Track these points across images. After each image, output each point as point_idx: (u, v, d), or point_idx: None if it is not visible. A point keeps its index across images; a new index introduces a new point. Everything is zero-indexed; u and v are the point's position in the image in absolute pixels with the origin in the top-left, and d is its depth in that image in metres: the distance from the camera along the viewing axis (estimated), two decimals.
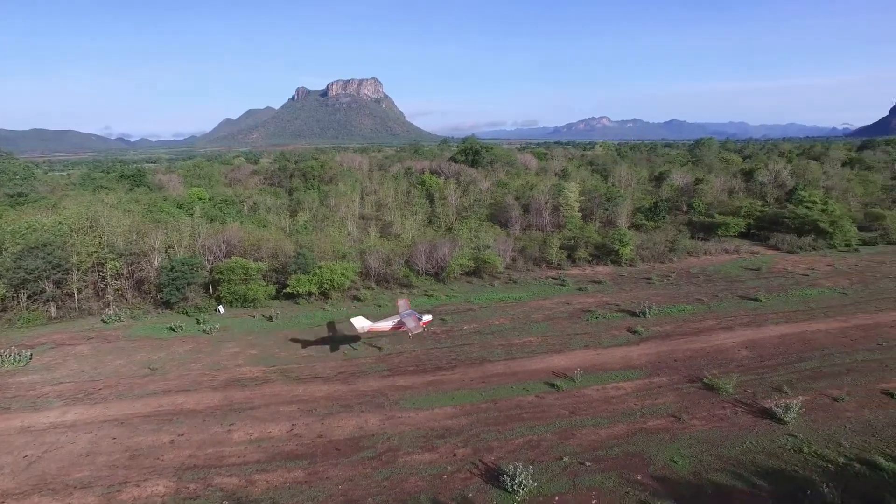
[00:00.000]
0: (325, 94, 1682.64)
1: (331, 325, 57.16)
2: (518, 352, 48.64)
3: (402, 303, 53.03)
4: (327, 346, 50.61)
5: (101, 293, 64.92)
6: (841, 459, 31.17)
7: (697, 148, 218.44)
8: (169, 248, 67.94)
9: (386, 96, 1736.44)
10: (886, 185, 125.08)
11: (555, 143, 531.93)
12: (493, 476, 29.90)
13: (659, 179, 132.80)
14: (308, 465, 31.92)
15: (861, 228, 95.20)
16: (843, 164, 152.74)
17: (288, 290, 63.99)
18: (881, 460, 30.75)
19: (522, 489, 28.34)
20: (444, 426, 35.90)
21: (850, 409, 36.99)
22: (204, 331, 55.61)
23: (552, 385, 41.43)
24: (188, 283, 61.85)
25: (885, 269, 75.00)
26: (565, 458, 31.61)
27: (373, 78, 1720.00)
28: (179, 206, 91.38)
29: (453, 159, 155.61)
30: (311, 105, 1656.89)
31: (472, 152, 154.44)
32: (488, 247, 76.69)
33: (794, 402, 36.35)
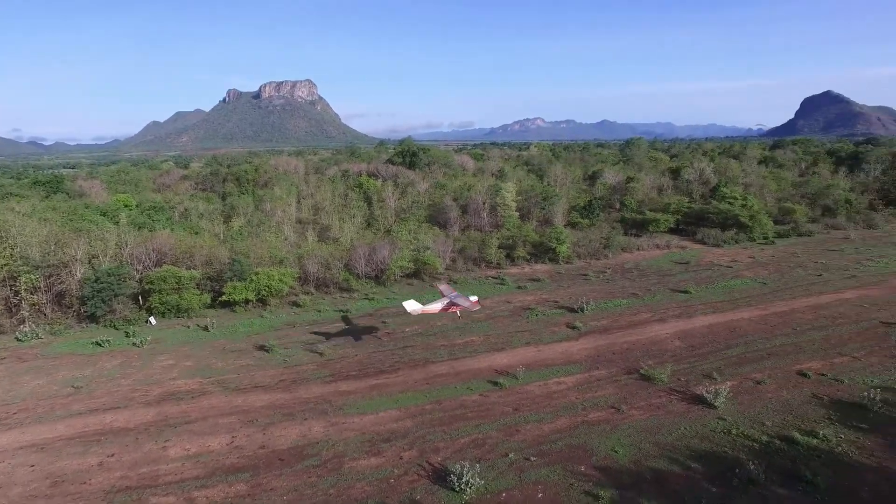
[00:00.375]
0: (257, 95, 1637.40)
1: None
2: (461, 352, 48.94)
3: (444, 287, 55.42)
4: (264, 353, 49.23)
5: (14, 309, 60.41)
6: (764, 438, 33.24)
7: (628, 147, 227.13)
8: (93, 258, 64.12)
9: (321, 98, 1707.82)
10: (796, 181, 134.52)
11: (491, 143, 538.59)
12: (441, 477, 29.94)
13: (592, 178, 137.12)
14: (250, 477, 30.91)
15: (776, 222, 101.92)
16: (759, 163, 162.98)
17: (224, 298, 61.81)
18: (797, 435, 33.13)
19: (470, 488, 28.52)
20: (389, 429, 35.65)
21: (770, 391, 39.45)
22: (134, 344, 52.87)
23: (495, 383, 41.93)
24: (115, 295, 58.58)
25: (797, 259, 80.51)
26: (511, 455, 32.06)
27: (307, 80, 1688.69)
28: (103, 214, 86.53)
29: (391, 161, 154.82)
30: (243, 107, 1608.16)
31: (409, 154, 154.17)
32: (428, 248, 76.79)
33: (723, 387, 38.44)
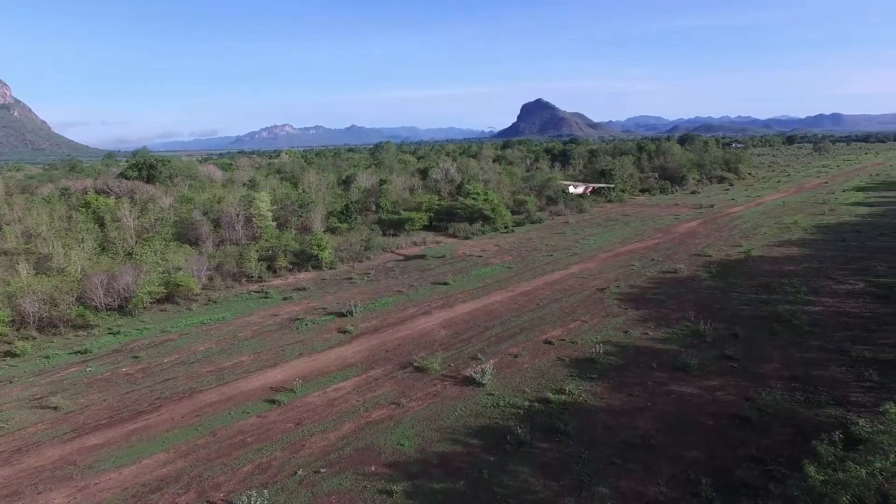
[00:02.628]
0: None
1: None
2: (230, 374, 45.17)
3: (567, 182, 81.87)
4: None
5: None
6: (526, 403, 37.31)
7: (378, 151, 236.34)
8: None
9: (18, 102, 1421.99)
10: (524, 176, 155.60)
11: (238, 152, 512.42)
12: None
13: (347, 183, 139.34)
14: None
15: (513, 212, 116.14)
16: (494, 161, 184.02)
17: None
18: (550, 395, 37.94)
19: None
20: (157, 476, 31.06)
21: (526, 362, 44.54)
22: None
23: (273, 401, 39.63)
24: None
25: (533, 244, 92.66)
26: (299, 472, 30.60)
27: None
28: None
29: (124, 175, 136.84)
30: None
31: (146, 167, 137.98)
32: (179, 268, 69.26)
33: (488, 366, 42.14)
